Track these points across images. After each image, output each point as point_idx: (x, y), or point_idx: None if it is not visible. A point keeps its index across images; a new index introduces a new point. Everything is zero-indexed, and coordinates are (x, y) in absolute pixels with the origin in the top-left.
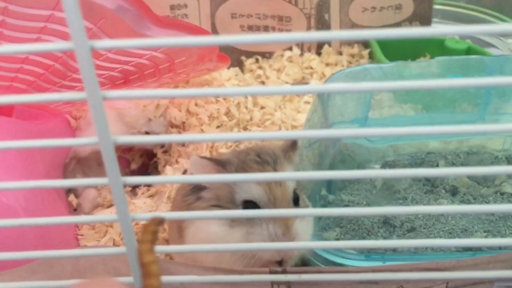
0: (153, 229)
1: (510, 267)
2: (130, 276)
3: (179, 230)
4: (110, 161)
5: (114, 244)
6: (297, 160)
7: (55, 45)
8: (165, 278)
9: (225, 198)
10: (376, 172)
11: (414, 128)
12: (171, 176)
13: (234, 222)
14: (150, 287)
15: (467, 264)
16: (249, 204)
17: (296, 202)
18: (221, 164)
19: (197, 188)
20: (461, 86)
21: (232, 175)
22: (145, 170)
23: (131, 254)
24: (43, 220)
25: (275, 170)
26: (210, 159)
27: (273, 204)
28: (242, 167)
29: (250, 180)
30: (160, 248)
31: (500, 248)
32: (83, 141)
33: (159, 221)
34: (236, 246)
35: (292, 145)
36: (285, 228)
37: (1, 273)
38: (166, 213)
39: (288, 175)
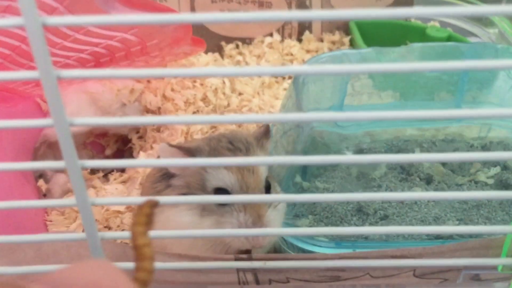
0: (147, 212)
1: (477, 255)
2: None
3: None
4: (66, 144)
5: (84, 230)
6: (270, 147)
7: (4, 21)
8: (126, 264)
9: (196, 186)
10: (349, 158)
11: (381, 113)
12: (132, 160)
13: (204, 211)
14: (142, 269)
15: (434, 252)
16: (221, 191)
17: (267, 190)
18: (190, 152)
19: (167, 176)
20: (430, 70)
21: (200, 159)
22: (120, 156)
23: (91, 240)
24: (2, 204)
25: (247, 157)
26: (179, 147)
27: (245, 192)
28: (214, 155)
29: (222, 165)
30: (124, 234)
31: (470, 236)
32: (39, 123)
33: (154, 204)
34: (206, 232)
35: (265, 132)
36: (256, 217)
37: None
38: (127, 198)
39: (261, 159)
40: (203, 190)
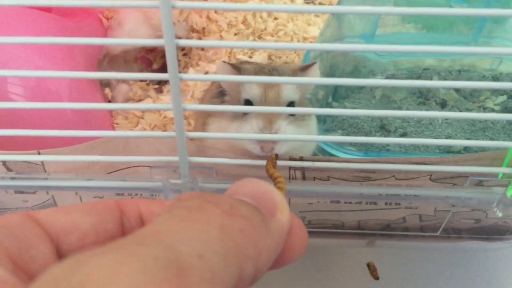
0: (273, 160)
1: (482, 165)
2: (174, 156)
3: (203, 126)
4: (172, 60)
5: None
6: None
7: None
8: (202, 159)
9: (237, 100)
10: (377, 81)
11: (417, 46)
12: (215, 75)
13: (234, 118)
14: (281, 183)
15: (449, 160)
16: (247, 102)
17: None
18: (237, 70)
19: (222, 93)
20: (462, 15)
21: (239, 76)
22: (165, 70)
23: (179, 137)
24: (94, 105)
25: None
26: (230, 65)
27: (263, 103)
28: (253, 74)
29: (251, 81)
30: (202, 134)
31: (475, 150)
32: (153, 42)
33: (275, 157)
34: (227, 135)
35: (303, 69)
36: (267, 123)
37: (64, 148)
38: (205, 106)
39: (284, 79)
40: (239, 102)
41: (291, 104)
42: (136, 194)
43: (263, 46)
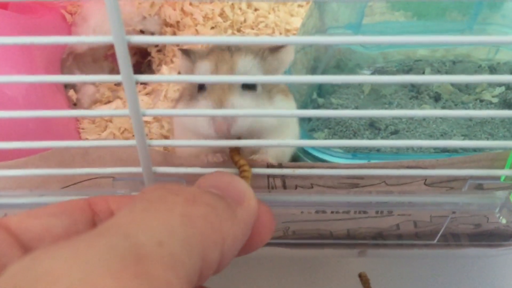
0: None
1: (482, 167)
2: (136, 167)
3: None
4: (124, 60)
5: (114, 138)
6: (280, 63)
7: None
8: (169, 169)
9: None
10: (365, 78)
11: (406, 37)
12: (176, 76)
13: (190, 100)
14: (246, 172)
15: (445, 163)
16: (201, 86)
17: (250, 86)
18: (186, 54)
19: (202, 87)
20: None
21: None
22: (138, 68)
23: (140, 146)
24: (47, 113)
25: (231, 57)
26: (180, 50)
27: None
28: (205, 55)
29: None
30: (167, 142)
31: (474, 150)
32: (99, 39)
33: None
34: (214, 142)
35: (273, 50)
36: (218, 101)
37: (16, 160)
38: (171, 110)
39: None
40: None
41: (250, 86)
42: None
43: (236, 41)
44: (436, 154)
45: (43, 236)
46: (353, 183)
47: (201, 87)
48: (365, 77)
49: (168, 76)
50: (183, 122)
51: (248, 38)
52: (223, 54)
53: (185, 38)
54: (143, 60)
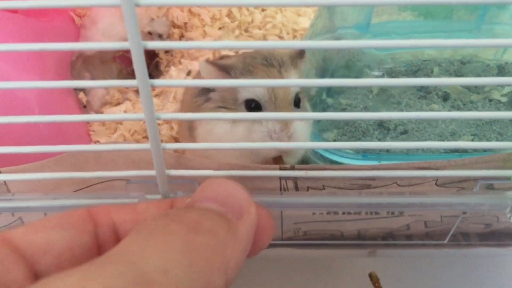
0: None
1: (493, 167)
2: (150, 170)
3: (190, 130)
4: (140, 65)
5: (125, 140)
6: (303, 67)
7: None
8: (183, 172)
9: (230, 99)
10: (375, 81)
11: (415, 41)
12: (192, 80)
13: (236, 120)
14: None
15: (456, 164)
16: (251, 102)
17: (297, 104)
18: (225, 70)
19: (206, 90)
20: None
21: (237, 80)
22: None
23: (154, 150)
24: (61, 117)
25: (280, 73)
26: (215, 65)
27: (273, 103)
28: (248, 70)
29: (253, 85)
30: (182, 145)
31: (484, 150)
32: (116, 45)
33: None
34: (238, 145)
35: (300, 53)
36: (283, 124)
37: (30, 164)
38: (186, 114)
39: (292, 81)
40: (235, 102)
41: (297, 95)
42: None
43: (248, 46)
44: (447, 154)
45: (47, 250)
46: (365, 184)
47: (255, 108)
48: (374, 80)
49: (184, 80)
50: (223, 139)
51: (266, 43)
52: (270, 71)
53: (198, 44)
54: (150, 61)
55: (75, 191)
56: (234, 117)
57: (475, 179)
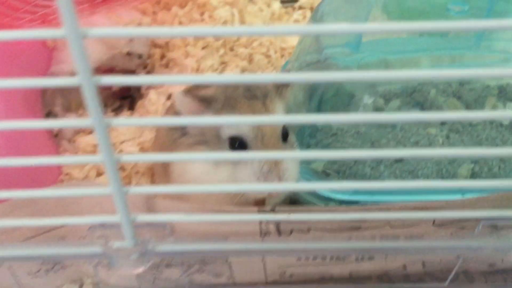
0: None
1: (496, 206)
2: (116, 214)
3: (164, 164)
4: (93, 103)
5: (98, 173)
6: (289, 95)
7: None
8: (152, 217)
9: (211, 134)
10: (365, 117)
11: (413, 72)
12: (158, 118)
13: (218, 161)
14: None
15: (456, 205)
16: (236, 140)
17: (285, 138)
18: (205, 102)
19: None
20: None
21: (216, 118)
22: (127, 91)
23: (116, 194)
24: (21, 161)
25: (264, 105)
26: (194, 96)
27: (260, 141)
28: (229, 103)
29: (236, 123)
30: (149, 188)
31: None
32: (63, 82)
33: None
34: (221, 187)
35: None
36: (272, 164)
37: None
38: (152, 154)
39: (277, 118)
40: (217, 138)
41: (284, 128)
42: (72, 264)
43: (226, 80)
44: (444, 192)
45: None
46: (354, 226)
47: (240, 146)
48: (365, 116)
49: (148, 119)
50: (201, 179)
51: (249, 77)
52: (254, 104)
53: (168, 78)
54: None
55: (32, 237)
56: (213, 158)
57: (477, 219)
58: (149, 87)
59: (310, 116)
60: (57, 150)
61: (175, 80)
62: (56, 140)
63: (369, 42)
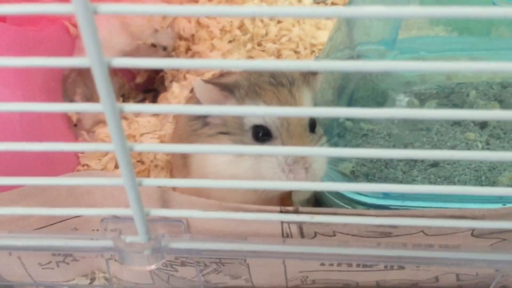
0: None
1: None
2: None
3: (183, 156)
4: (104, 86)
5: (116, 165)
6: (318, 85)
7: None
8: (166, 212)
9: (233, 124)
10: (398, 112)
11: (449, 64)
12: (173, 106)
13: (244, 156)
14: None
15: (497, 214)
16: (260, 128)
17: (312, 129)
18: (228, 89)
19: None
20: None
21: (238, 107)
22: (151, 84)
23: (128, 185)
24: (27, 146)
25: (291, 93)
26: (215, 84)
27: (286, 130)
28: (254, 90)
29: (259, 114)
30: (164, 181)
31: None
32: (71, 62)
33: None
34: (242, 183)
35: (315, 72)
36: (299, 156)
37: None
38: (166, 145)
39: (304, 110)
40: (240, 128)
41: (312, 118)
42: (83, 257)
43: (258, 65)
44: (483, 197)
45: None
46: (384, 232)
47: (265, 135)
48: (399, 111)
49: (161, 105)
50: (223, 171)
51: (265, 62)
52: (280, 91)
53: (186, 62)
54: (156, 75)
55: (42, 227)
56: (235, 151)
57: None
58: (172, 80)
59: (338, 110)
60: (75, 140)
61: (192, 64)
62: (75, 130)
63: (405, 40)
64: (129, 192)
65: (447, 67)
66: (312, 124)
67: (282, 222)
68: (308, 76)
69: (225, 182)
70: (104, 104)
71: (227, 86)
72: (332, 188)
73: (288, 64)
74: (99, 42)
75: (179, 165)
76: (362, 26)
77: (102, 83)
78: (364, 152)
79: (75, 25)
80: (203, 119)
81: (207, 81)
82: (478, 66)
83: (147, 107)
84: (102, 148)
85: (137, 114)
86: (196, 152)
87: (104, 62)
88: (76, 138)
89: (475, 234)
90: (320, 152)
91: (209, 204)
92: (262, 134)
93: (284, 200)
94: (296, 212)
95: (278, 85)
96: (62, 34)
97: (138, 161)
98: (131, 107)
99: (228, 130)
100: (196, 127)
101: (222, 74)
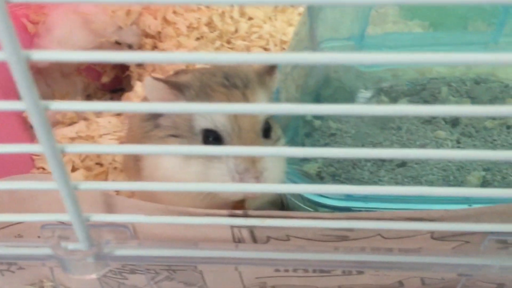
0: None
1: (506, 220)
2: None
3: (135, 160)
4: (24, 82)
5: (73, 168)
6: (274, 86)
7: None
8: (108, 217)
9: (184, 127)
10: (365, 109)
11: (413, 55)
12: (103, 103)
13: (188, 156)
14: None
15: (458, 216)
16: (210, 133)
17: (266, 134)
18: (178, 88)
19: (155, 114)
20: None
21: (187, 104)
22: (118, 83)
23: (62, 189)
24: None
25: (244, 96)
26: (165, 82)
27: (237, 135)
28: (205, 92)
29: (211, 111)
30: (99, 184)
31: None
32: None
33: None
34: (191, 186)
35: (270, 69)
36: (250, 163)
37: None
38: (101, 145)
39: (258, 107)
40: (191, 131)
41: (266, 122)
42: (29, 265)
43: (221, 59)
44: (449, 197)
45: None
46: (341, 236)
47: (215, 140)
48: (365, 107)
49: (91, 103)
50: (173, 175)
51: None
52: (233, 93)
53: (129, 55)
54: (122, 74)
55: None
56: (183, 152)
57: (483, 233)
58: (138, 78)
59: (295, 106)
60: (32, 142)
61: (137, 58)
62: (31, 132)
63: (375, 37)
64: (64, 197)
65: (415, 59)
66: (267, 129)
67: (232, 227)
68: (264, 76)
69: (168, 185)
70: (26, 100)
71: (177, 85)
72: (282, 190)
73: (252, 57)
74: (13, 32)
75: (131, 167)
76: (328, 21)
77: (21, 79)
78: (318, 151)
79: (33, 23)
80: (154, 121)
81: (157, 79)
82: (441, 58)
83: (73, 105)
84: (28, 150)
85: (98, 115)
86: (134, 153)
87: (22, 55)
88: (32, 140)
89: (435, 236)
90: (269, 152)
91: (156, 208)
92: (212, 138)
93: (238, 208)
94: (245, 215)
95: (231, 87)
96: (20, 33)
97: (96, 164)
98: (56, 104)
99: (178, 133)
100: (148, 129)
101: (177, 73)
